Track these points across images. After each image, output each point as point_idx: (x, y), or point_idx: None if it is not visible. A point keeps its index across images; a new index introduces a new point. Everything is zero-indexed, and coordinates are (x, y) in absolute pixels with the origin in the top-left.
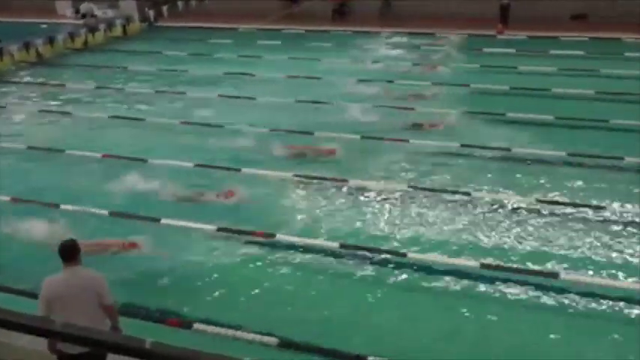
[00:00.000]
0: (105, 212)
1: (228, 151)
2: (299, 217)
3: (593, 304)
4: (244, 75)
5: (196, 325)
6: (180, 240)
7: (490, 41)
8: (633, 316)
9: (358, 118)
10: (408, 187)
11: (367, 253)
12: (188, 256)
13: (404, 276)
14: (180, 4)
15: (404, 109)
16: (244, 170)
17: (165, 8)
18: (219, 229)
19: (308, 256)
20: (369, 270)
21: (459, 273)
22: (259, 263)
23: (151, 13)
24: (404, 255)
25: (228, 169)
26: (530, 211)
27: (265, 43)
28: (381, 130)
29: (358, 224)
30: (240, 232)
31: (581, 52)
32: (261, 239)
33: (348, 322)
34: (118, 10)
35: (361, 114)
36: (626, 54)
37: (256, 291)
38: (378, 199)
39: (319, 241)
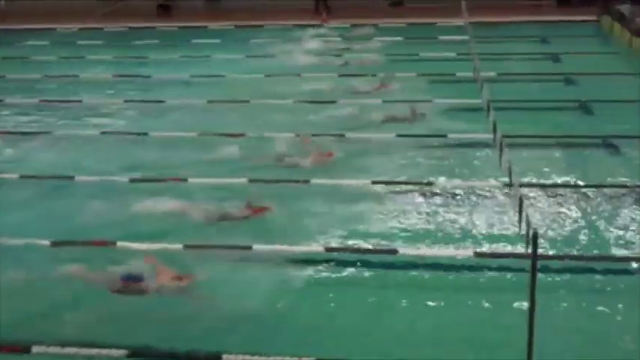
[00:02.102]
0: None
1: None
2: None
3: (429, 275)
4: (67, 77)
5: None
6: None
7: (317, 31)
8: (465, 282)
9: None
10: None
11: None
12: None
13: (258, 267)
14: None
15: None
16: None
17: None
18: None
19: None
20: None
21: (304, 260)
22: None
23: None
24: (249, 248)
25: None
26: (365, 192)
27: (87, 43)
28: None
29: None
30: None
31: (400, 38)
32: None
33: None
34: None
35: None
36: (440, 37)
37: None
38: None
39: None
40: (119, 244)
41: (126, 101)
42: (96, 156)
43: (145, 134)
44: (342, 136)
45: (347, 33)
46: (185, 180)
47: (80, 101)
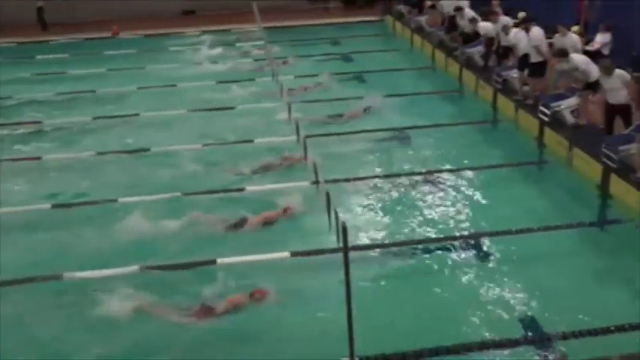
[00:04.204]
0: None
1: None
2: None
3: (245, 280)
4: None
5: None
6: None
7: (110, 43)
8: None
9: None
10: None
11: None
12: None
13: None
14: None
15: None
16: None
17: None
18: None
19: None
20: None
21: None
22: None
23: None
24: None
25: None
26: (178, 204)
27: None
28: None
29: None
30: None
31: (200, 47)
32: None
33: None
34: None
35: None
36: (237, 45)
37: None
38: None
39: None
40: None
41: None
42: None
43: None
44: (148, 150)
45: (141, 45)
46: None
47: None
